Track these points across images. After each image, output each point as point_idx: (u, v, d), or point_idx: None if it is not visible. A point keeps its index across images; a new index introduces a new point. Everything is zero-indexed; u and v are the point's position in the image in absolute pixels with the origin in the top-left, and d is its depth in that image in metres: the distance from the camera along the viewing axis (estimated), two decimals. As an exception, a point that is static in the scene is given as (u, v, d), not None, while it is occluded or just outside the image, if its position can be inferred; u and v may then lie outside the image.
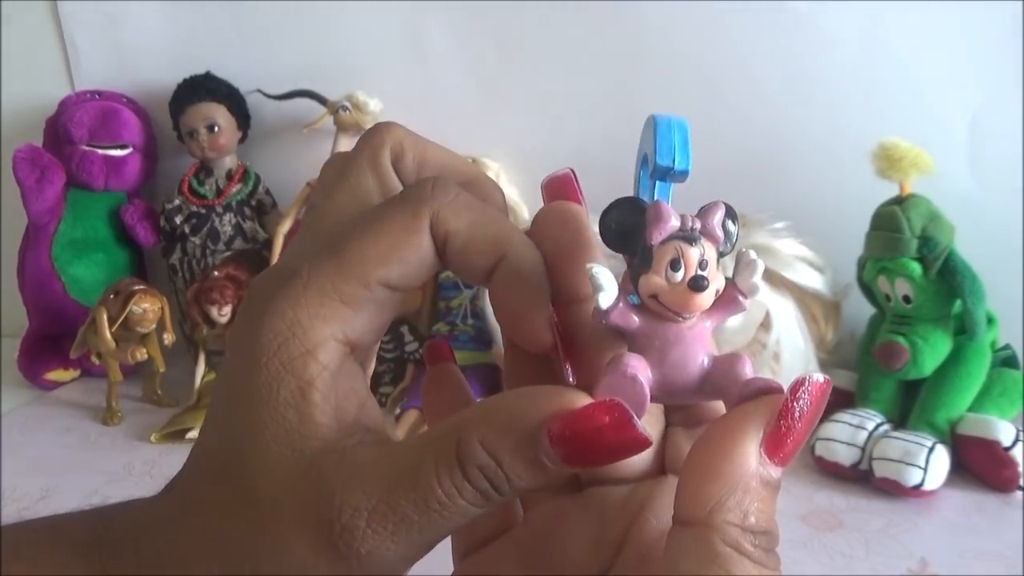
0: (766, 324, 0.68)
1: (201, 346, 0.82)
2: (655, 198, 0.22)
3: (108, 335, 0.77)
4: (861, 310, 0.74)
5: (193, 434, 0.73)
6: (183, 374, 0.83)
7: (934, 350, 0.65)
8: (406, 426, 0.71)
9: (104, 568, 0.20)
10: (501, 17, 0.83)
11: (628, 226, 0.21)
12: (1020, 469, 0.61)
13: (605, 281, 0.20)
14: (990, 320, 0.66)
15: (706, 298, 0.20)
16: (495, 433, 0.19)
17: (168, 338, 0.79)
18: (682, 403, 0.23)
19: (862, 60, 0.77)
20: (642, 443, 0.19)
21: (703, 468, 0.19)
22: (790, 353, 0.68)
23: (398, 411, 0.73)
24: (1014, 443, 0.62)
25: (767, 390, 0.19)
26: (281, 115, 0.89)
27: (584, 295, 0.22)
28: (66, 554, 0.21)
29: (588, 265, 0.20)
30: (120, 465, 0.70)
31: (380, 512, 0.19)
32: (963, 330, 0.66)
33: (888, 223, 0.66)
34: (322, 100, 0.86)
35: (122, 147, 0.88)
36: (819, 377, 0.19)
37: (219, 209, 0.87)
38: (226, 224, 0.87)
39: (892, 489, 0.60)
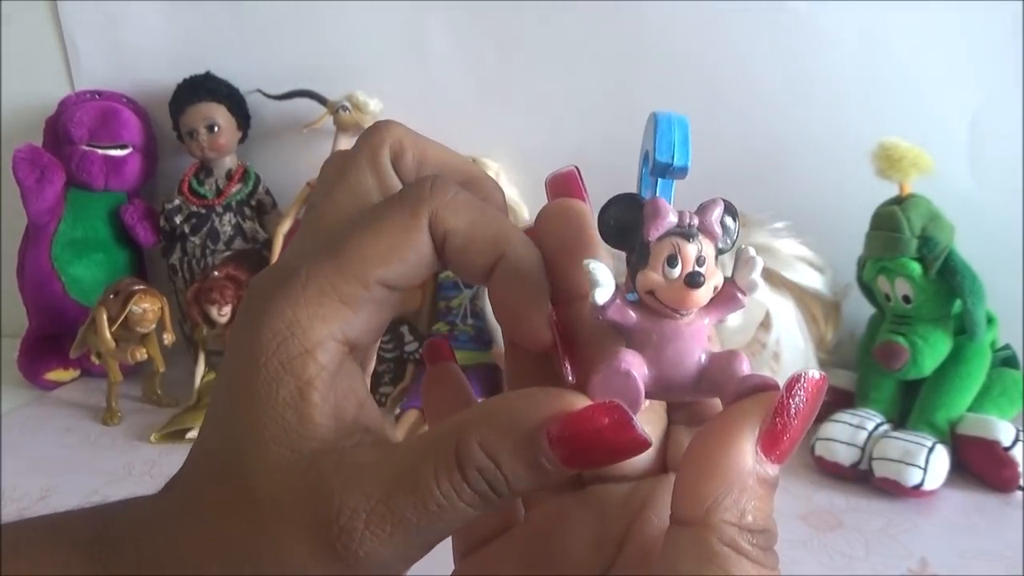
0: (766, 324, 0.68)
1: (201, 346, 0.82)
2: (657, 195, 0.22)
3: (108, 335, 0.77)
4: (861, 310, 0.74)
5: (193, 434, 0.73)
6: (183, 374, 0.83)
7: (934, 350, 0.65)
8: (406, 426, 0.71)
9: (105, 566, 0.20)
10: (501, 17, 0.83)
11: (626, 222, 0.21)
12: (1020, 469, 0.61)
13: (602, 277, 0.20)
14: (990, 320, 0.66)
15: (703, 294, 0.20)
16: (494, 435, 0.19)
17: (168, 338, 0.79)
18: (680, 400, 0.23)
19: (862, 60, 0.77)
20: (641, 444, 0.19)
21: (699, 467, 0.19)
22: (790, 353, 0.68)
23: (398, 411, 0.73)
24: (1014, 443, 0.62)
25: (763, 387, 0.19)
26: (281, 115, 0.89)
27: (585, 292, 0.22)
28: (66, 552, 0.21)
29: (585, 261, 0.20)
30: (120, 465, 0.70)
31: (378, 514, 0.19)
32: (963, 330, 0.65)
33: (888, 223, 0.66)
34: (322, 100, 0.86)
35: (122, 147, 0.88)
36: (814, 374, 0.19)
37: (219, 209, 0.87)
38: (226, 224, 0.87)
39: (892, 489, 0.60)
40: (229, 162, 0.88)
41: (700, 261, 0.20)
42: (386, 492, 0.19)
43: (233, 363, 0.21)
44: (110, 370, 0.79)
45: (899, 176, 0.66)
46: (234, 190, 0.87)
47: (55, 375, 0.87)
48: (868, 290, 0.71)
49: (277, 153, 0.91)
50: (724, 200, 0.21)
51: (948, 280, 0.64)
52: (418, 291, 0.81)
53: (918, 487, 0.59)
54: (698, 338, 0.21)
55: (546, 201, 0.24)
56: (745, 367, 0.20)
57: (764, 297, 0.68)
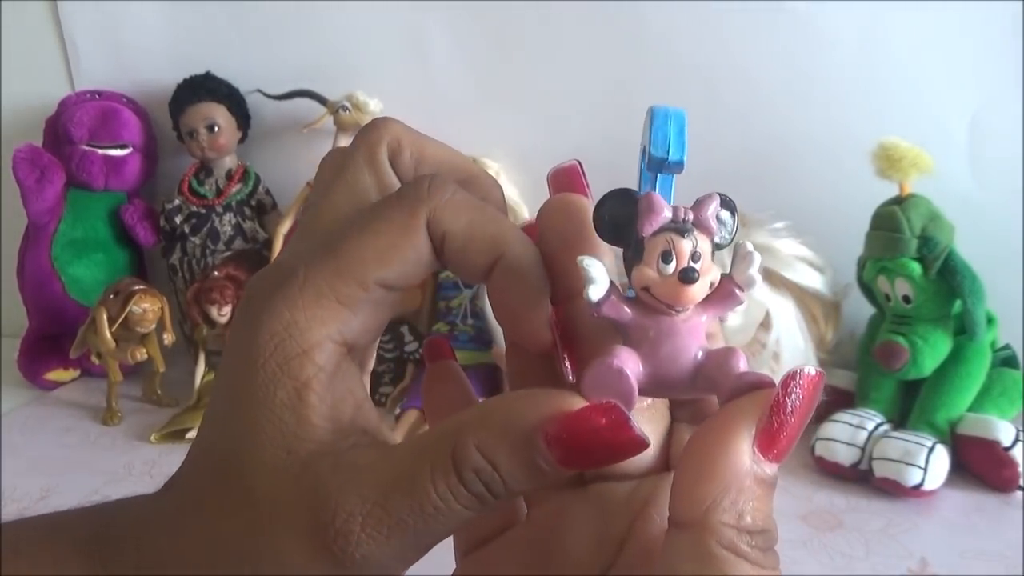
0: (766, 324, 0.68)
1: (201, 346, 0.82)
2: (655, 191, 0.21)
3: (108, 335, 0.77)
4: (861, 310, 0.74)
5: (192, 434, 0.73)
6: (183, 374, 0.83)
7: (934, 350, 0.65)
8: (406, 426, 0.71)
9: (104, 566, 0.20)
10: (501, 17, 0.83)
11: (621, 218, 0.20)
12: (1020, 469, 0.61)
13: (596, 273, 0.20)
14: (990, 320, 0.66)
15: (698, 290, 0.20)
16: (491, 436, 0.19)
17: (168, 338, 0.79)
18: (676, 397, 0.23)
19: (862, 60, 0.77)
20: (639, 444, 0.18)
21: (696, 468, 0.19)
22: (790, 353, 0.68)
23: (398, 411, 0.73)
24: (1014, 443, 0.62)
25: (759, 384, 0.19)
26: (281, 115, 0.89)
27: None
28: (66, 551, 0.21)
29: (579, 257, 0.20)
30: (120, 465, 0.70)
31: (375, 516, 0.19)
32: (963, 330, 0.65)
33: (888, 223, 0.66)
34: (322, 100, 0.86)
35: (122, 147, 0.88)
36: (810, 370, 0.19)
37: (219, 209, 0.87)
38: (226, 224, 0.87)
39: (892, 489, 0.60)
40: (229, 162, 0.88)
41: (695, 257, 0.20)
42: (382, 494, 0.19)
43: (231, 364, 0.21)
44: (110, 370, 0.79)
45: (899, 176, 0.66)
46: (234, 190, 0.87)
47: (55, 375, 0.87)
48: (868, 290, 0.71)
49: (277, 153, 0.91)
50: (720, 194, 0.20)
51: (948, 280, 0.64)
52: (418, 291, 0.81)
53: (918, 487, 0.59)
54: (695, 335, 0.20)
55: (547, 198, 0.24)
56: (742, 364, 0.20)
57: (764, 297, 0.68)
